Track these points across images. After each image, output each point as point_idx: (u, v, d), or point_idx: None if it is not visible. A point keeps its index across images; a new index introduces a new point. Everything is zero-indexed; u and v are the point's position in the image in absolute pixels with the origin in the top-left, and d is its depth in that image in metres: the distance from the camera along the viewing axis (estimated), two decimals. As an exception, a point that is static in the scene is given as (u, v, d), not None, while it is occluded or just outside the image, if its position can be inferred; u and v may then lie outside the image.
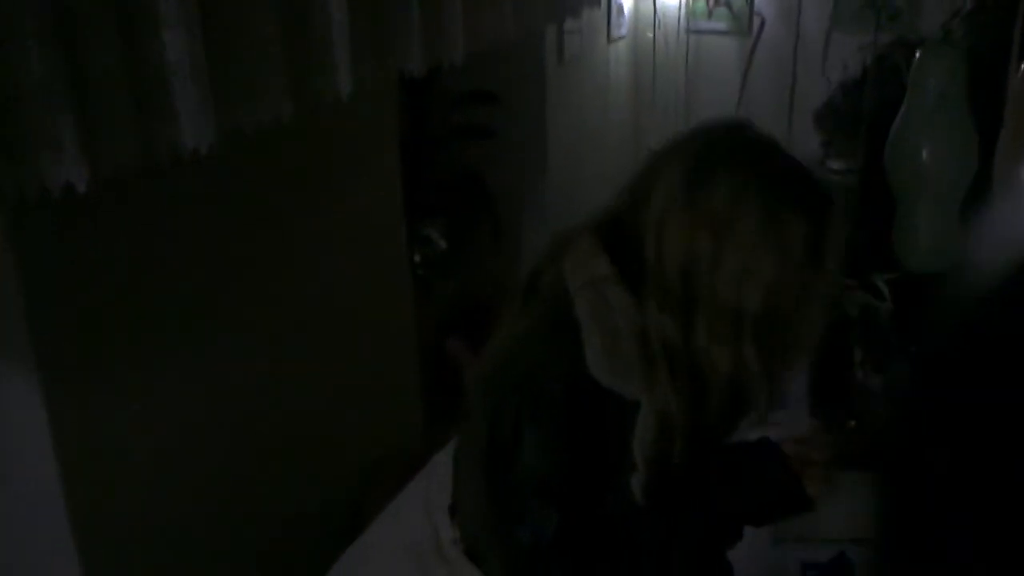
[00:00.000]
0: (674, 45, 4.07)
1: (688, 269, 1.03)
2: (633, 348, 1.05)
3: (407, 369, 2.32)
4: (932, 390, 1.07)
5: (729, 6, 4.01)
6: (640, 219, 1.07)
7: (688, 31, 4.05)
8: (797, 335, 1.10)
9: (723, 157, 1.07)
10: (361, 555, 1.36)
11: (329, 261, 1.95)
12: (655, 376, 1.05)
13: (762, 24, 3.97)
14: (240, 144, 1.21)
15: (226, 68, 1.18)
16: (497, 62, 2.93)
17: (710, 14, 4.03)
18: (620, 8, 3.85)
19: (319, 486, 1.94)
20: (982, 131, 2.10)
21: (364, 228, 2.06)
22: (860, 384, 2.09)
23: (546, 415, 1.06)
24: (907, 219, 2.24)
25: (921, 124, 2.11)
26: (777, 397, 1.17)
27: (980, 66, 2.16)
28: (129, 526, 1.51)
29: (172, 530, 1.59)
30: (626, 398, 1.06)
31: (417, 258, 2.64)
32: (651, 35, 4.04)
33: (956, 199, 2.17)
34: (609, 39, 3.81)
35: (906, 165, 2.17)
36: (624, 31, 3.96)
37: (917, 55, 2.18)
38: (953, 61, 2.14)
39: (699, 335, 1.05)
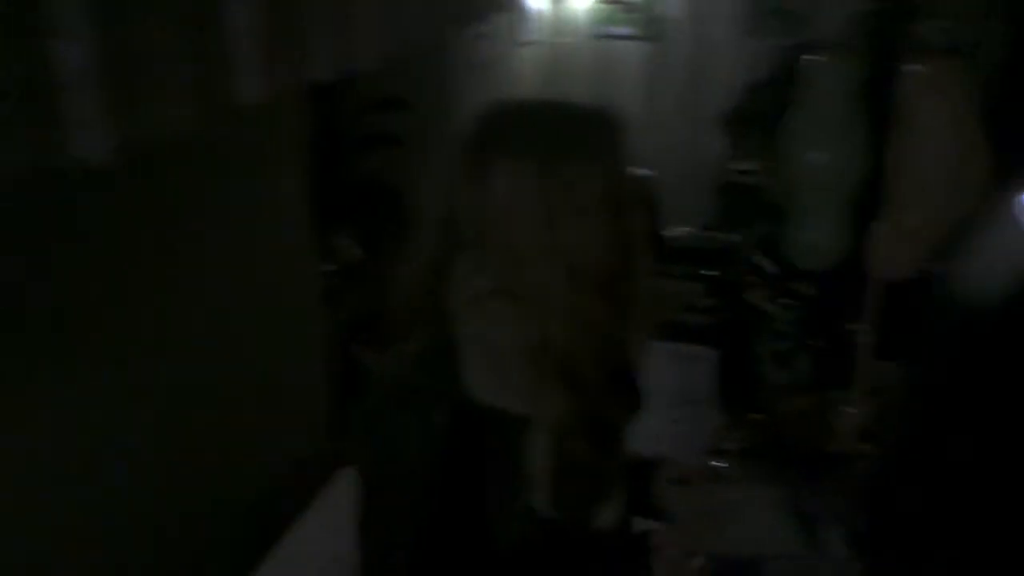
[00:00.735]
0: (584, 50, 4.12)
1: (520, 255, 1.02)
2: (515, 361, 1.04)
3: (315, 379, 2.30)
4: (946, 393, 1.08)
5: (637, 11, 4.09)
6: (463, 229, 1.06)
7: (597, 36, 4.11)
8: (635, 259, 1.09)
9: (489, 139, 1.06)
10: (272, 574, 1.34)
11: (234, 271, 1.92)
12: (542, 384, 1.04)
13: (670, 29, 4.06)
14: (142, 152, 1.19)
15: (125, 77, 1.15)
16: (410, 68, 2.92)
17: (619, 19, 4.10)
18: (530, 13, 3.89)
19: (224, 497, 1.91)
20: (875, 132, 2.19)
21: (270, 237, 2.03)
22: (765, 378, 2.16)
23: (422, 441, 1.04)
24: (797, 217, 2.32)
25: (813, 125, 2.18)
26: (646, 335, 1.19)
27: (874, 69, 2.25)
28: (25, 543, 1.46)
29: (72, 544, 1.54)
30: (514, 416, 1.05)
31: (329, 267, 2.62)
32: (560, 40, 4.09)
33: (846, 199, 2.25)
34: (520, 44, 3.84)
35: (797, 165, 2.25)
36: (535, 36, 3.99)
37: (811, 58, 2.26)
38: (846, 64, 2.22)
39: (564, 310, 1.03)
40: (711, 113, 4.00)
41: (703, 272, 3.19)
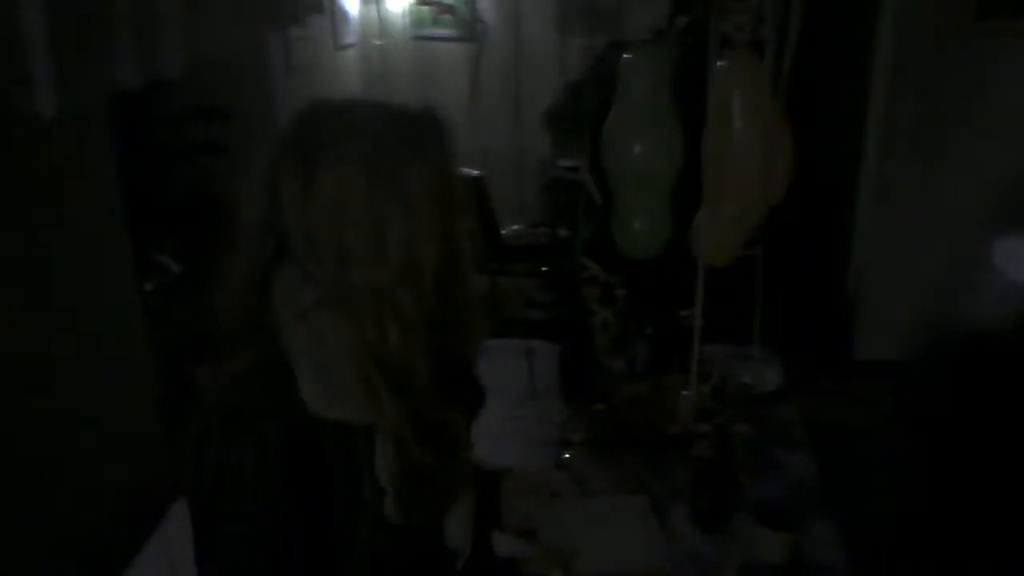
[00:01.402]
0: (404, 52, 4.10)
1: (348, 259, 1.01)
2: (348, 371, 1.02)
3: (146, 404, 2.17)
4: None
5: (454, 13, 4.11)
6: (286, 237, 1.04)
7: (416, 38, 4.10)
8: (467, 258, 1.10)
9: (313, 141, 1.03)
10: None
11: (48, 296, 1.78)
12: (376, 390, 1.02)
13: (485, 30, 4.11)
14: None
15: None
16: (226, 73, 2.81)
17: (435, 21, 4.10)
18: (346, 15, 3.83)
19: (55, 533, 1.76)
20: (689, 125, 2.29)
21: (80, 259, 1.90)
22: (605, 368, 2.22)
23: (258, 463, 1.00)
24: (622, 211, 2.40)
25: (631, 121, 2.26)
26: (483, 333, 1.20)
27: (686, 64, 2.35)
28: None
29: None
30: (354, 425, 1.04)
31: (151, 285, 2.48)
32: (379, 43, 4.05)
33: (666, 191, 2.35)
34: (337, 47, 3.77)
35: (618, 160, 2.33)
36: (352, 39, 3.93)
37: (626, 56, 2.34)
38: (659, 60, 2.31)
39: (394, 313, 1.02)
40: (534, 112, 4.09)
41: (538, 268, 3.25)
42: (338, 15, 3.73)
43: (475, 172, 3.26)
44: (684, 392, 2.07)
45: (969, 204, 3.80)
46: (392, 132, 1.05)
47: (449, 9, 4.09)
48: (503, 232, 3.71)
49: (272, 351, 1.04)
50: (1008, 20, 3.57)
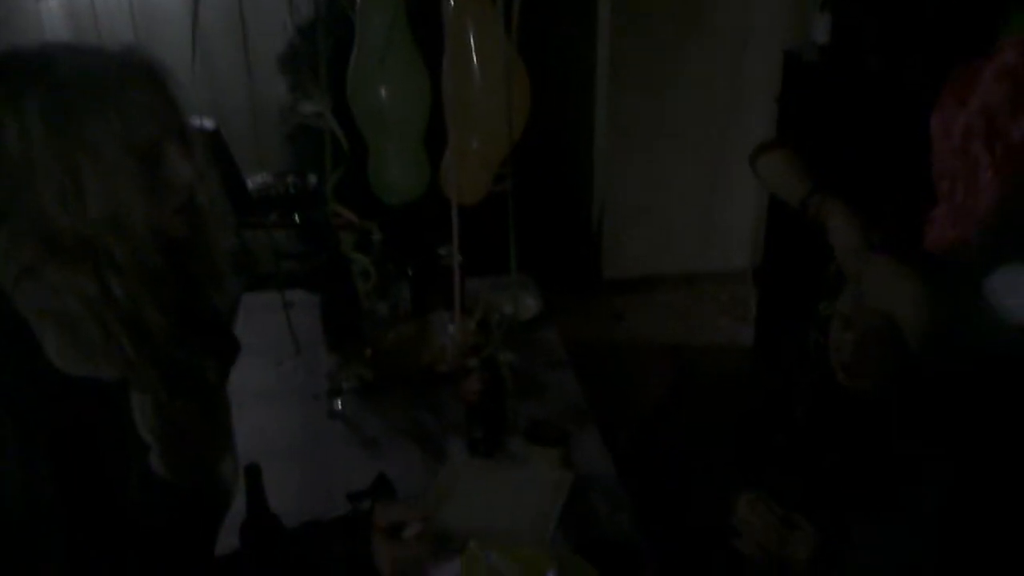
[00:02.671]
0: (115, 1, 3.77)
1: (52, 215, 0.95)
2: (87, 325, 0.97)
3: None
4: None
5: (165, -46, 3.82)
6: None
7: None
8: (201, 208, 1.07)
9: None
10: None
11: None
12: (119, 344, 0.98)
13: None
14: None
15: None
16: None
17: (147, -36, 3.80)
18: (44, -39, 3.46)
19: None
20: (431, 66, 2.29)
21: None
22: (369, 313, 2.22)
23: (16, 439, 0.97)
24: (377, 157, 2.39)
25: (372, 65, 2.23)
26: (233, 284, 1.18)
27: (421, 4, 2.34)
28: None
29: None
30: (108, 381, 1.01)
31: None
32: (85, -10, 3.70)
33: (418, 133, 2.35)
34: (36, -2, 3.41)
35: (366, 106, 2.29)
36: (54, -14, 3.57)
37: (357, -2, 2.28)
38: (393, 2, 2.28)
39: (117, 263, 0.98)
40: (267, 57, 3.92)
41: (289, 218, 3.16)
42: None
43: (209, 124, 3.10)
44: (450, 328, 2.11)
45: (692, 131, 4.12)
46: (79, 78, 0.97)
47: (160, -50, 3.80)
48: (248, 184, 3.57)
49: (2, 316, 0.98)
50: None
